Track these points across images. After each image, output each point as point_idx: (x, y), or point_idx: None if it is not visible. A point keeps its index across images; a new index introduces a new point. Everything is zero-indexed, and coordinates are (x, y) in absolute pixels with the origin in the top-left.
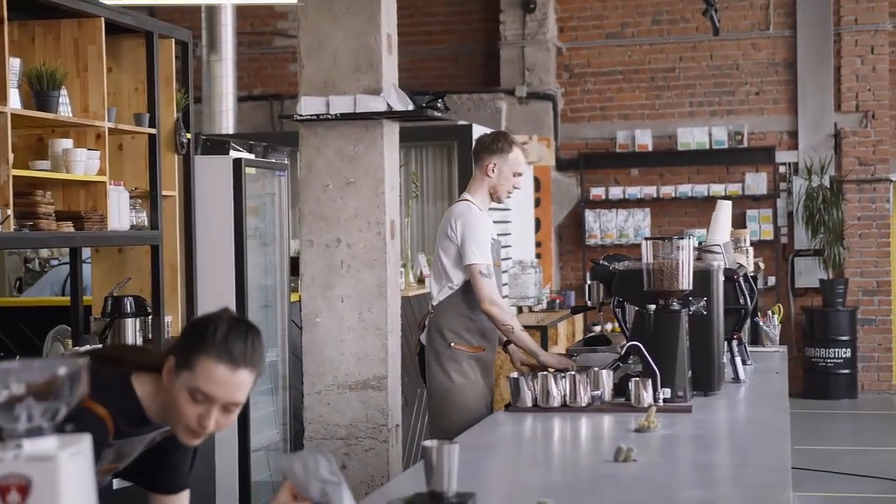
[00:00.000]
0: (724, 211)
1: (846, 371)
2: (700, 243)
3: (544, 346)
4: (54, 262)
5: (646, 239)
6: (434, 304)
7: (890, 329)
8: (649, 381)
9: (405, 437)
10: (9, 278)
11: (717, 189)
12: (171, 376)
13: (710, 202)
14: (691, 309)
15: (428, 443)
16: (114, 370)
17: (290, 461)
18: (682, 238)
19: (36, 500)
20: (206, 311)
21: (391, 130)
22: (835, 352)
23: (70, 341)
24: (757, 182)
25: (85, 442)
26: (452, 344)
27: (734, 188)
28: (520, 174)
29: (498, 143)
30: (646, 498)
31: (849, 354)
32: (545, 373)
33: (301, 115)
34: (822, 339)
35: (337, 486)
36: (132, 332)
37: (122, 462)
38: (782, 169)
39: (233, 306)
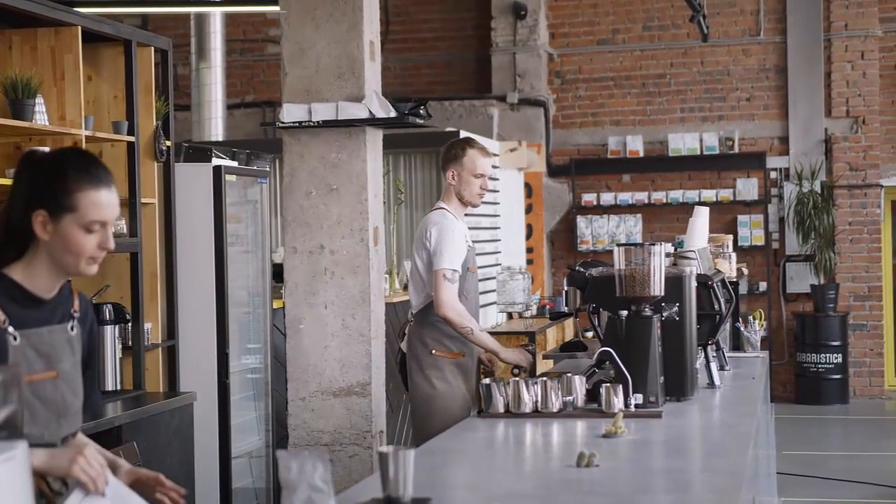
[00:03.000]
0: (701, 217)
1: (837, 376)
2: (677, 249)
3: (532, 352)
4: None
5: (618, 245)
6: (414, 312)
7: (881, 334)
8: (620, 387)
9: (390, 444)
10: None
11: (709, 195)
12: (50, 226)
13: None
14: (663, 315)
15: (383, 449)
16: None
17: (289, 458)
18: (654, 244)
19: None
20: (40, 154)
21: (374, 137)
22: (826, 357)
23: None
24: (748, 187)
25: (19, 449)
26: (434, 351)
27: (725, 194)
28: (481, 175)
29: (452, 150)
30: (602, 502)
31: (840, 360)
32: (517, 378)
33: (283, 123)
34: (814, 345)
35: (324, 497)
36: (111, 339)
37: (55, 366)
38: (773, 174)
39: (214, 313)
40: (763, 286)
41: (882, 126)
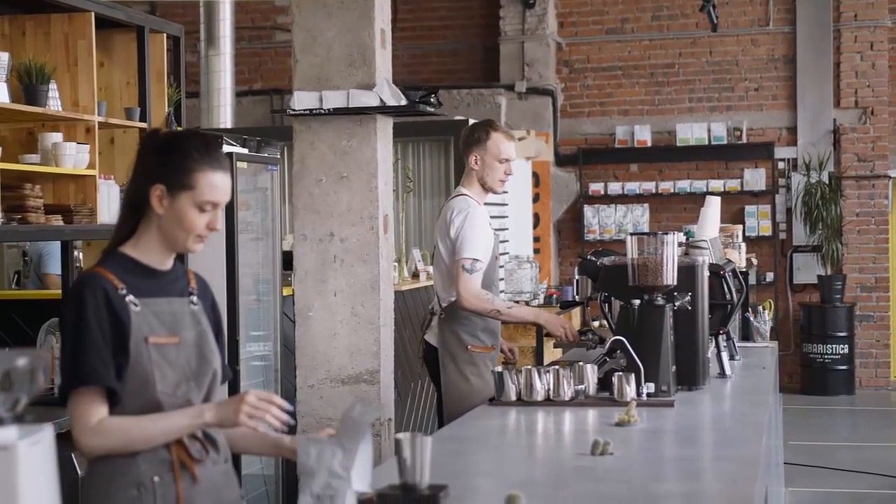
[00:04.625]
0: (713, 207)
1: (844, 367)
2: (688, 238)
3: (539, 340)
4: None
5: (631, 234)
6: (443, 304)
7: (888, 325)
8: (633, 376)
9: (398, 431)
10: (7, 272)
11: (716, 185)
12: (166, 201)
13: None
14: (676, 304)
15: (400, 435)
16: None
17: (308, 444)
18: (667, 234)
19: None
20: (164, 132)
21: (384, 125)
22: (832, 348)
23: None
24: (756, 178)
25: (46, 431)
26: (469, 347)
27: (733, 184)
28: (506, 160)
29: (475, 133)
30: (617, 490)
31: (846, 350)
32: (529, 367)
33: (294, 110)
34: (820, 335)
35: (343, 483)
36: None
37: (178, 334)
38: (781, 165)
39: (224, 300)
40: (770, 277)
41: (890, 117)
